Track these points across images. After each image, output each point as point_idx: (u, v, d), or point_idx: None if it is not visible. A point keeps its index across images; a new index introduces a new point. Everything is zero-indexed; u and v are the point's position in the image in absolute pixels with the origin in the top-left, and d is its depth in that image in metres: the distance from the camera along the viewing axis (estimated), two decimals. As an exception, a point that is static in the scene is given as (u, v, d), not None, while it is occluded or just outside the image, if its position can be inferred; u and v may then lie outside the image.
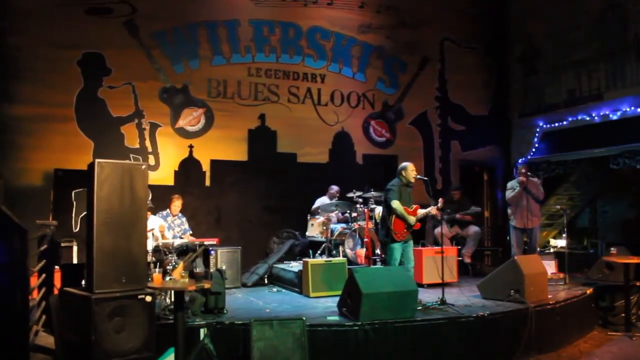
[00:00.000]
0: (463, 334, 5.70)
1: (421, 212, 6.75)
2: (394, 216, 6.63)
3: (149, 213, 7.04)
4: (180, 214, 7.85)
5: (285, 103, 10.12)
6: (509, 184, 8.87)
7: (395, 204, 6.62)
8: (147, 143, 9.09)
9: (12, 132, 8.23)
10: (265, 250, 9.42)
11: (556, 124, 10.75)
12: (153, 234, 6.95)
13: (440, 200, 6.84)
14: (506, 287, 6.58)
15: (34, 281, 5.52)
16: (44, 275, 5.62)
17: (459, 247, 9.05)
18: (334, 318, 5.73)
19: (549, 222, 10.84)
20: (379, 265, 7.94)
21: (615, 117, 9.63)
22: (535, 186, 8.57)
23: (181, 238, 7.49)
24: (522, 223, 8.51)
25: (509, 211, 8.78)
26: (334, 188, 9.30)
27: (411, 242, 6.85)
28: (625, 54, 9.53)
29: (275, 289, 8.01)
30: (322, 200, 9.20)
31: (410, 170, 6.73)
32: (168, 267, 6.19)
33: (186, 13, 9.45)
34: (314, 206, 9.10)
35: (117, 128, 8.91)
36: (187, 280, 4.97)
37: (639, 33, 9.30)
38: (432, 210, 6.77)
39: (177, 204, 7.74)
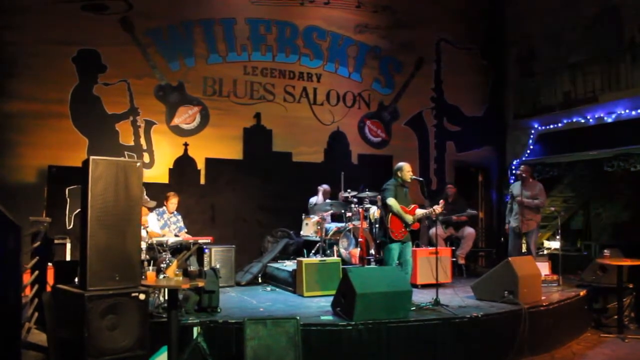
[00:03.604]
0: (457, 335, 5.71)
1: (420, 211, 6.70)
2: (391, 215, 6.60)
3: (147, 211, 7.05)
4: (175, 212, 7.83)
5: (281, 102, 10.11)
6: (511, 187, 8.94)
7: (391, 201, 6.59)
8: (142, 140, 9.06)
9: (6, 128, 8.18)
10: (260, 249, 9.42)
11: (551, 126, 10.78)
12: (147, 231, 6.92)
13: (441, 202, 6.83)
14: (500, 288, 6.59)
15: (27, 278, 5.50)
16: (37, 272, 5.58)
17: (453, 247, 9.06)
18: (328, 317, 5.72)
19: (543, 224, 10.85)
20: (373, 265, 7.95)
21: (610, 120, 9.66)
22: (534, 193, 8.52)
23: (176, 236, 7.47)
24: (517, 227, 8.52)
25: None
26: (324, 187, 9.29)
27: (410, 244, 6.81)
28: (620, 57, 9.57)
29: (269, 288, 8.00)
30: (315, 200, 9.20)
31: (406, 170, 6.72)
32: (162, 265, 6.16)
33: (182, 10, 9.43)
34: (313, 206, 9.13)
35: (112, 125, 8.87)
36: (180, 278, 4.96)
37: (634, 36, 9.34)
38: (435, 209, 6.60)
39: (173, 201, 7.72)
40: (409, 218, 6.59)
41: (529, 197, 8.43)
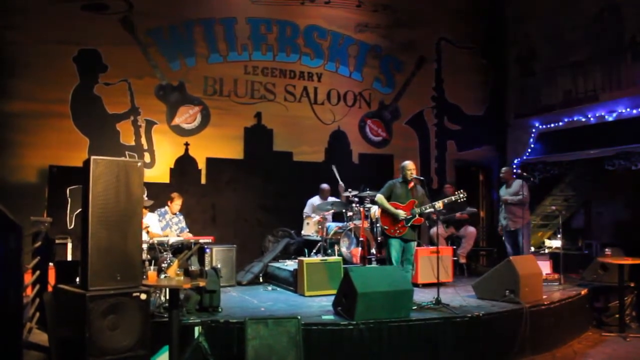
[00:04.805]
0: (458, 334, 5.71)
1: (425, 206, 6.67)
2: (380, 211, 6.77)
3: (146, 210, 7.03)
4: (178, 212, 7.82)
5: (281, 101, 10.10)
6: (500, 190, 9.02)
7: (378, 197, 6.77)
8: (143, 140, 9.06)
9: (7, 128, 8.19)
10: (261, 249, 9.41)
11: (552, 125, 10.77)
12: (148, 232, 6.91)
13: (462, 192, 6.82)
14: (501, 288, 6.59)
15: (28, 278, 5.49)
16: (38, 272, 5.58)
17: (455, 247, 9.06)
18: (329, 317, 5.72)
19: (544, 223, 10.86)
20: (374, 265, 7.94)
21: (610, 119, 9.65)
22: (515, 190, 8.56)
23: (178, 236, 7.46)
24: (507, 225, 8.64)
25: None
26: (325, 187, 9.28)
27: (413, 244, 6.75)
28: (621, 56, 9.57)
29: (270, 288, 7.99)
30: (313, 202, 9.18)
31: (407, 169, 6.74)
32: (163, 265, 6.16)
33: (182, 10, 9.43)
34: (305, 210, 9.13)
35: (113, 125, 8.88)
36: (182, 278, 4.96)
37: (635, 34, 9.33)
38: (436, 205, 6.60)
39: (177, 202, 7.69)
40: (399, 213, 6.56)
41: (511, 194, 8.60)
